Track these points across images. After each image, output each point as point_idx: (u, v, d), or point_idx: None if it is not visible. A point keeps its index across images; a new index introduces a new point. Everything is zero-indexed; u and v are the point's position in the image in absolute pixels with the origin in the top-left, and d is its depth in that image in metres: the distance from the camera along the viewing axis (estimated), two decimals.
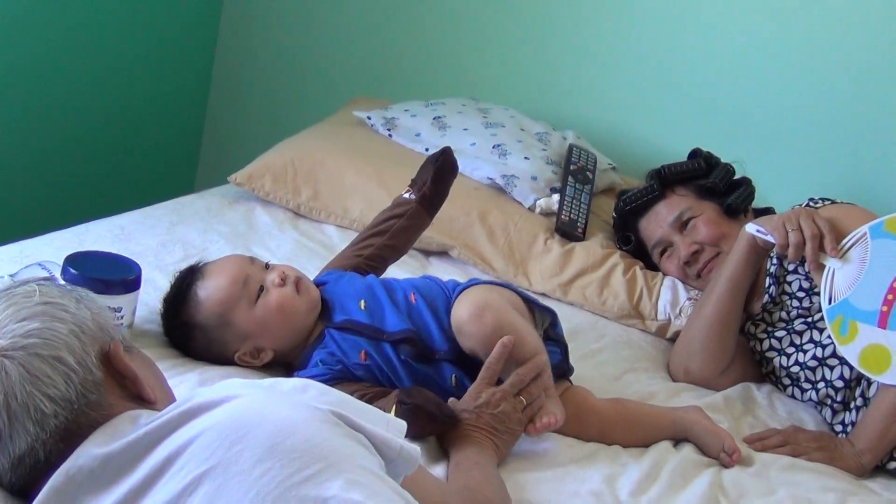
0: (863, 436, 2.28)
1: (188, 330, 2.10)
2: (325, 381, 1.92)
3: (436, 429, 1.96)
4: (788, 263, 2.47)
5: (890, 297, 2.24)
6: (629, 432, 2.17)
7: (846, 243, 2.32)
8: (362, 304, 2.14)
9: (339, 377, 2.05)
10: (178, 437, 1.34)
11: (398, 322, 2.10)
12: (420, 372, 2.07)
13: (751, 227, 2.43)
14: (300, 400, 1.43)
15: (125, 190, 3.84)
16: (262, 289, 2.10)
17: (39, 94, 3.47)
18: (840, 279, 2.31)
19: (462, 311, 2.08)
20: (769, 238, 2.38)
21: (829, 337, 2.34)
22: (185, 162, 4.21)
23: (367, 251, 2.34)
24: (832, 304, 2.31)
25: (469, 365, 2.09)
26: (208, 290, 2.09)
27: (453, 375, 2.09)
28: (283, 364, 2.14)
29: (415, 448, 1.48)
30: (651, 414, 2.23)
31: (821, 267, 2.33)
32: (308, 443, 1.32)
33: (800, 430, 2.34)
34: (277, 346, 2.11)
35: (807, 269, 2.40)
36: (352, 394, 1.92)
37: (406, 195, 2.38)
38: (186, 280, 2.12)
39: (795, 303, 2.50)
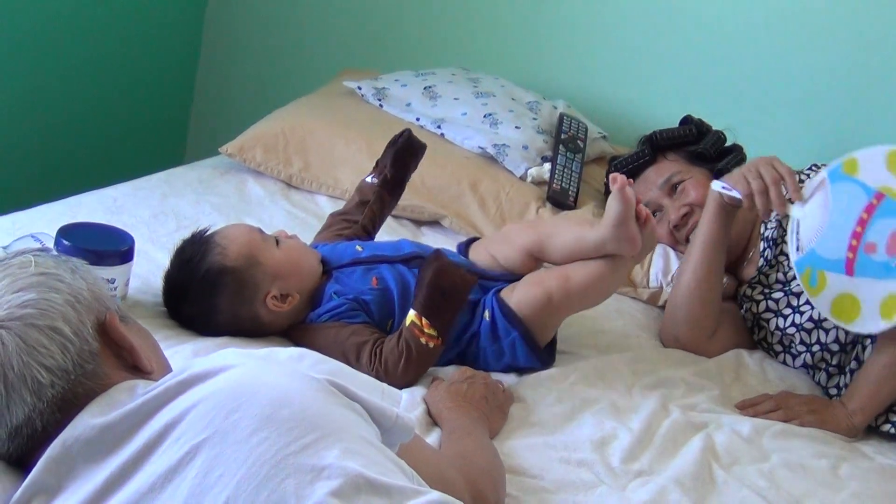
0: (855, 396, 2.29)
1: (217, 277, 2.09)
2: (342, 311, 2.10)
3: (464, 278, 2.08)
4: (763, 218, 2.45)
5: (853, 242, 2.22)
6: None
7: (808, 190, 2.31)
8: (359, 247, 2.25)
9: (354, 308, 2.13)
10: (175, 406, 1.34)
11: (402, 247, 2.26)
12: None
13: (716, 185, 2.41)
14: (296, 369, 1.43)
15: (116, 162, 3.83)
16: (276, 241, 2.18)
17: (29, 67, 3.46)
18: (806, 229, 2.30)
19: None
20: (734, 193, 2.36)
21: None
22: (175, 133, 4.20)
23: (346, 232, 2.39)
24: (799, 254, 2.31)
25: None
26: (230, 238, 2.13)
27: None
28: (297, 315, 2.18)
29: (410, 418, 1.49)
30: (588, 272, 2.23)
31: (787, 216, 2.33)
32: (305, 412, 1.33)
33: (791, 395, 2.36)
34: (301, 289, 2.14)
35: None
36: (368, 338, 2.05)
37: (369, 179, 2.43)
38: (198, 239, 2.14)
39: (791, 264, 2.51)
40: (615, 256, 2.20)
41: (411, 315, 2.05)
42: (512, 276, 2.29)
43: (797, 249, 2.31)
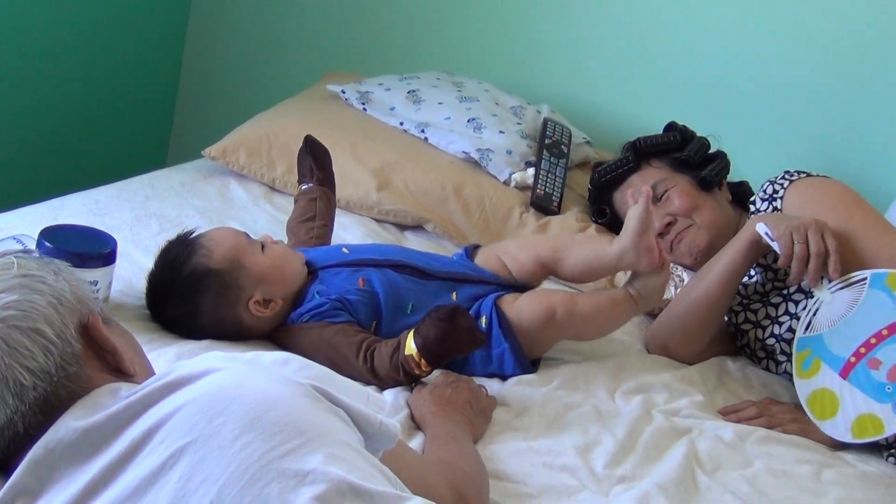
0: None
1: (200, 279, 2.08)
2: (324, 311, 2.11)
3: (474, 341, 2.06)
4: (791, 283, 2.40)
5: (862, 350, 2.23)
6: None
7: (844, 279, 2.30)
8: (345, 250, 2.27)
9: (336, 307, 2.13)
10: (159, 410, 1.33)
11: (389, 251, 2.30)
12: (423, 288, 2.21)
13: (761, 227, 2.38)
14: (281, 374, 1.43)
15: (98, 164, 3.82)
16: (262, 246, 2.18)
17: (10, 70, 3.45)
18: (824, 314, 2.30)
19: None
20: (774, 245, 2.34)
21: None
22: (158, 136, 4.18)
23: (314, 232, 2.42)
24: (807, 333, 2.32)
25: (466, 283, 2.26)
26: (215, 240, 2.12)
27: (454, 292, 2.23)
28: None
29: (394, 424, 1.49)
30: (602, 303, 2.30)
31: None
32: (288, 417, 1.32)
33: (774, 403, 2.36)
34: (285, 295, 2.14)
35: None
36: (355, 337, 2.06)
37: (304, 186, 2.50)
38: (183, 241, 2.14)
39: (771, 275, 2.51)
40: (625, 295, 2.27)
41: (412, 349, 2.03)
42: (515, 285, 2.31)
43: (806, 329, 2.32)
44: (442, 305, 2.05)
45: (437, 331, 2.02)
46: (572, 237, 2.66)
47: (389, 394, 2.04)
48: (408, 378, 2.06)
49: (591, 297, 2.30)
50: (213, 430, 1.29)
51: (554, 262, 2.34)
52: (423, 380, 2.09)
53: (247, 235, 2.19)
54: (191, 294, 2.09)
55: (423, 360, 2.03)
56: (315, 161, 2.49)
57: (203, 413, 1.31)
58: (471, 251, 2.42)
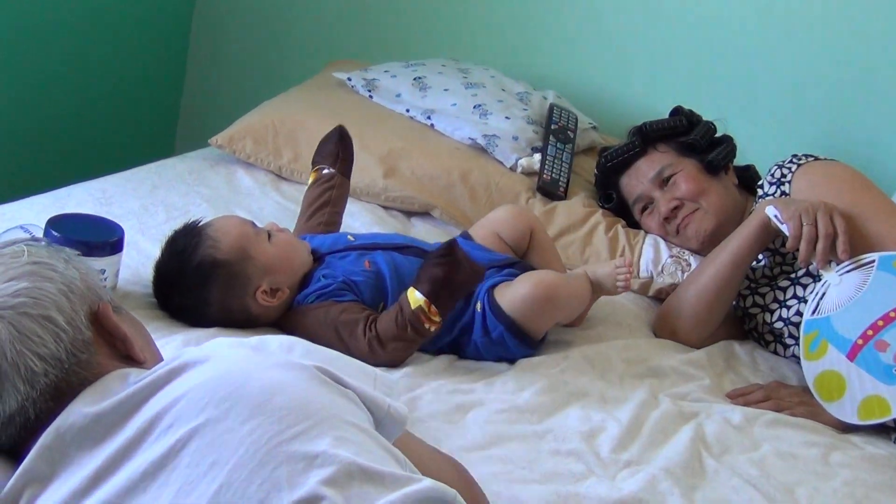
0: None
1: (208, 270, 2.09)
2: (330, 291, 2.13)
3: (476, 272, 2.17)
4: (800, 265, 2.43)
5: (870, 332, 2.23)
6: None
7: (852, 261, 2.31)
8: (350, 237, 2.29)
9: (342, 288, 2.15)
10: (166, 394, 1.34)
11: (393, 237, 2.34)
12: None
13: (770, 211, 2.39)
14: (287, 358, 1.44)
15: (105, 153, 3.82)
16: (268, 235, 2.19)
17: (17, 60, 3.45)
18: (832, 296, 2.30)
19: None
20: (784, 228, 2.35)
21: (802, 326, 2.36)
22: (165, 125, 4.19)
23: (324, 218, 2.43)
24: (815, 315, 2.32)
25: None
26: (222, 230, 2.13)
27: None
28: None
29: (402, 407, 1.49)
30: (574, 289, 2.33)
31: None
32: (296, 400, 1.33)
33: (782, 386, 2.36)
34: (291, 283, 2.16)
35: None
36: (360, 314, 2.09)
37: (325, 171, 2.49)
38: (190, 231, 2.14)
39: (779, 259, 2.51)
40: (587, 278, 2.36)
41: (419, 300, 2.07)
42: (514, 260, 2.36)
43: (814, 311, 2.32)
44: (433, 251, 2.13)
45: (442, 269, 2.08)
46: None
47: (397, 374, 2.06)
48: (416, 334, 2.08)
49: (570, 275, 2.39)
50: (220, 414, 1.30)
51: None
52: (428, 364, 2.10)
53: (253, 224, 2.20)
54: (198, 285, 2.10)
55: (431, 308, 2.07)
56: (344, 149, 2.51)
57: (210, 397, 1.31)
58: (468, 235, 2.45)
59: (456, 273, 2.10)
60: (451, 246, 2.12)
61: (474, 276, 2.16)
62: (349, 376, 1.43)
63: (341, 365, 1.48)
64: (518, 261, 2.39)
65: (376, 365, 1.90)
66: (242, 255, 2.11)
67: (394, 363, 2.11)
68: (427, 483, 1.32)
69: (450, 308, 2.13)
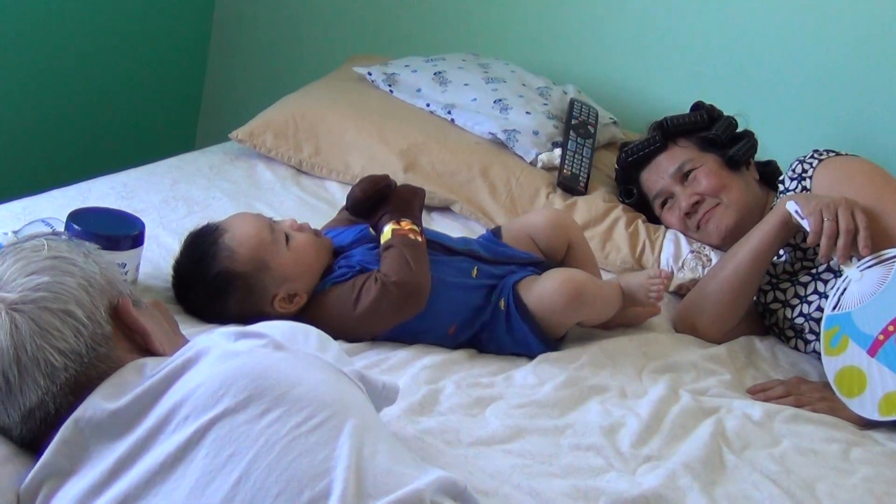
0: None
1: (226, 283, 2.08)
2: (346, 277, 2.14)
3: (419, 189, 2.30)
4: (821, 261, 2.41)
5: (891, 328, 2.22)
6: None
7: (874, 256, 2.30)
8: (372, 231, 2.27)
9: (357, 275, 2.15)
10: (182, 385, 1.35)
11: None
12: (448, 263, 2.22)
13: (791, 206, 2.38)
14: (304, 350, 1.44)
15: (126, 147, 3.83)
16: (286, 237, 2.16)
17: (40, 52, 3.46)
18: (853, 292, 2.29)
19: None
20: (804, 223, 2.34)
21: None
22: (186, 119, 4.20)
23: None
24: (835, 311, 2.31)
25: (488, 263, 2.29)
26: (239, 240, 2.10)
27: (475, 268, 2.24)
28: None
29: (395, 383, 1.57)
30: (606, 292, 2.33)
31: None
32: (315, 391, 1.34)
33: (803, 381, 2.35)
34: (309, 288, 2.14)
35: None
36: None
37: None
38: (208, 237, 2.12)
39: (800, 254, 2.50)
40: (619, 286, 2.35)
41: (388, 228, 2.16)
42: (538, 259, 2.35)
43: (835, 306, 2.31)
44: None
45: (389, 201, 2.22)
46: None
47: (417, 366, 2.07)
48: (413, 248, 2.13)
49: (601, 280, 2.39)
50: (238, 405, 1.31)
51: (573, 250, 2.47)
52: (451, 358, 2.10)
53: (270, 226, 2.16)
54: (216, 296, 2.10)
55: (402, 222, 2.17)
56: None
57: (227, 388, 1.32)
58: (498, 232, 2.43)
59: (401, 192, 2.24)
60: (372, 181, 2.24)
61: (415, 188, 2.29)
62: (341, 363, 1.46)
63: (335, 352, 1.51)
64: (542, 260, 2.37)
65: (402, 296, 2.06)
66: (259, 266, 2.09)
67: (414, 280, 2.10)
68: (440, 474, 1.34)
69: (414, 214, 2.22)
